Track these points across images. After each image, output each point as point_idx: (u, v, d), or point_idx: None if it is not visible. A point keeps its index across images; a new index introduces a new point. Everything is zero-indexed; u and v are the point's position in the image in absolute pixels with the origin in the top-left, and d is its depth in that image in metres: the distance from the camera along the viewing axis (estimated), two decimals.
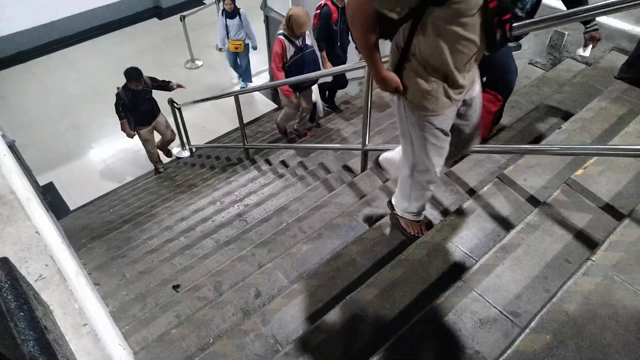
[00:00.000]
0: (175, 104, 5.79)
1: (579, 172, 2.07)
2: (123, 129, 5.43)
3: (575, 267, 1.68)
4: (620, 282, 1.50)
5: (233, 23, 6.70)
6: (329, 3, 4.39)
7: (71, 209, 6.06)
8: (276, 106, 7.77)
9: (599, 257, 1.58)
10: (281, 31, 4.16)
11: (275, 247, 2.67)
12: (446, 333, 1.62)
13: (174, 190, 5.16)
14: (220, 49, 6.99)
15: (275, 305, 2.07)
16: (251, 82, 7.63)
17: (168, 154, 6.50)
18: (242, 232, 3.06)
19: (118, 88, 5.18)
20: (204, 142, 6.80)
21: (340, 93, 5.85)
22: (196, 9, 8.12)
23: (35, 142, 7.07)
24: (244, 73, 7.51)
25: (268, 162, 4.77)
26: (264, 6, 6.84)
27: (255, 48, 7.12)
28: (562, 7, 2.34)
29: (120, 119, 5.33)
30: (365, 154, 3.16)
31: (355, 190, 2.99)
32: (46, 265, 1.19)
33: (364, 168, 3.22)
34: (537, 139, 2.75)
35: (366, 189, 2.97)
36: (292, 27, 4.07)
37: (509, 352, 1.39)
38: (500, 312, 1.66)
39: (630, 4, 1.53)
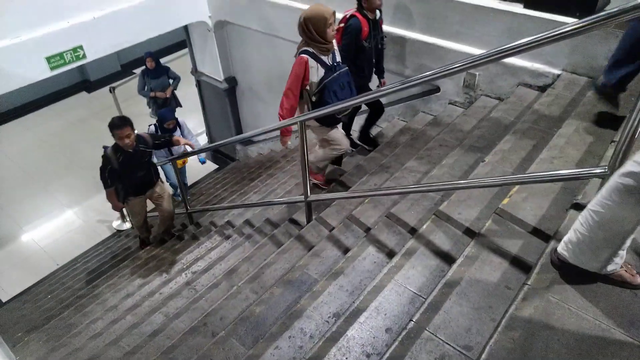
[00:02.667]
0: None
1: (505, 200, 2.22)
2: (108, 199, 4.11)
3: (515, 292, 1.76)
4: (556, 302, 1.59)
5: None
6: (358, 15, 3.47)
7: (3, 301, 5.61)
8: (217, 166, 7.73)
9: (534, 280, 1.68)
10: (303, 49, 3.10)
11: (228, 313, 2.60)
12: None
13: (117, 265, 4.91)
14: None
15: None
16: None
17: (167, 235, 4.94)
18: (191, 301, 2.96)
19: (105, 148, 3.93)
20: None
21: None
22: (126, 79, 8.07)
23: None
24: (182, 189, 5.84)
25: (213, 224, 4.70)
26: (195, 71, 6.95)
27: (204, 161, 6.16)
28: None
29: (105, 187, 3.99)
30: (309, 205, 3.20)
31: (303, 242, 3.01)
32: None
33: (309, 219, 3.25)
34: (465, 174, 2.93)
35: (313, 240, 2.99)
36: (316, 33, 2.99)
37: None
38: (454, 347, 1.70)
39: (528, 46, 1.69)
